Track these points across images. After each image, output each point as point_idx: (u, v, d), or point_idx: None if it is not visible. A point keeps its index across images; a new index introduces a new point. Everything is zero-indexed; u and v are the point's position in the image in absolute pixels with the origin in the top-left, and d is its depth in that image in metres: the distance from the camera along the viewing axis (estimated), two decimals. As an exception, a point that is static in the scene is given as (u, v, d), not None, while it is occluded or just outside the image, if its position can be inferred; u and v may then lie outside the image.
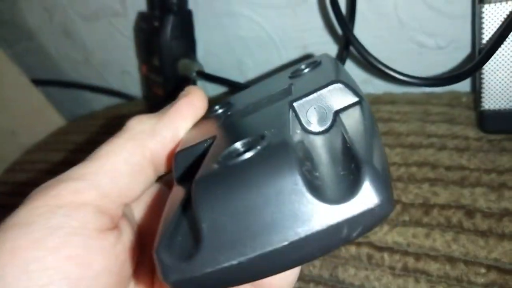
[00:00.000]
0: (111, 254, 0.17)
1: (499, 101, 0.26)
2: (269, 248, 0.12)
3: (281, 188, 0.12)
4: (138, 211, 0.22)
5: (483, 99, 0.27)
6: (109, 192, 0.18)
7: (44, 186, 0.18)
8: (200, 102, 0.21)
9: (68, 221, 0.17)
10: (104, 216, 0.18)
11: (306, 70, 0.20)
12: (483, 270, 0.21)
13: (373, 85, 0.36)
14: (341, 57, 0.33)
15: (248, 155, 0.13)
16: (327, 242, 0.12)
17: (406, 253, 0.23)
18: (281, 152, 0.13)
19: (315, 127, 0.16)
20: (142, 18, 0.42)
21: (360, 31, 0.31)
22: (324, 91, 0.16)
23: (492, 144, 0.26)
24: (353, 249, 0.24)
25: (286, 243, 0.12)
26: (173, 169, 0.18)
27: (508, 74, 0.26)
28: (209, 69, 0.38)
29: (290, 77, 0.20)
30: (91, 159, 0.18)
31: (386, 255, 0.23)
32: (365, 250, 0.24)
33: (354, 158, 0.13)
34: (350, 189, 0.12)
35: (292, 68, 0.22)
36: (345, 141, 0.14)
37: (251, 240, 0.12)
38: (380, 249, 0.24)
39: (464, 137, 0.27)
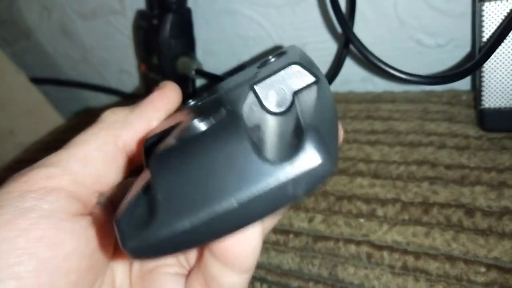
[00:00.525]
0: (83, 237, 0.17)
1: (499, 100, 0.26)
2: (220, 210, 0.13)
3: (230, 152, 0.13)
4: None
5: (483, 98, 0.27)
6: (82, 178, 0.18)
7: (17, 174, 0.18)
8: (173, 95, 0.22)
9: (39, 204, 0.17)
10: (76, 201, 0.18)
11: (273, 60, 0.21)
12: (483, 269, 0.21)
13: (373, 84, 0.36)
14: (341, 56, 0.32)
15: (202, 127, 0.15)
16: (274, 200, 0.13)
17: (405, 252, 0.23)
18: (231, 120, 0.14)
19: (273, 107, 0.17)
20: (141, 16, 0.41)
21: (360, 29, 0.31)
22: (282, 72, 0.17)
23: (492, 143, 0.26)
24: (352, 248, 0.24)
25: (235, 203, 0.13)
26: (142, 155, 0.19)
27: (509, 73, 0.26)
28: (208, 68, 0.38)
29: (258, 67, 0.22)
30: (65, 148, 0.19)
31: (385, 254, 0.23)
32: (364, 249, 0.24)
33: (300, 125, 0.14)
34: (294, 151, 0.13)
35: (261, 60, 0.23)
36: (297, 117, 0.15)
37: (202, 203, 0.13)
38: (380, 248, 0.23)
39: (464, 136, 0.27)
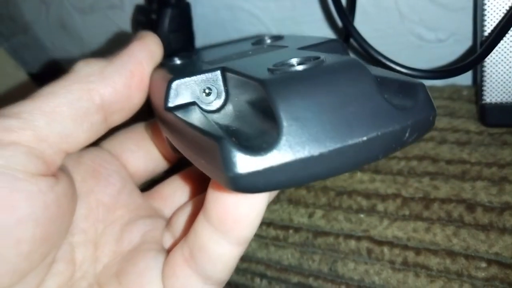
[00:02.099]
0: (40, 202, 0.15)
1: (501, 95, 0.26)
2: (349, 142, 0.13)
3: (360, 90, 0.13)
4: (79, 178, 0.20)
5: (484, 93, 0.26)
6: (46, 135, 0.16)
7: None
8: (156, 47, 0.19)
9: None
10: (37, 160, 0.16)
11: (269, 41, 0.22)
12: (483, 265, 0.21)
13: (373, 79, 0.36)
14: (341, 50, 0.32)
15: (315, 63, 0.14)
16: (392, 143, 0.13)
17: (406, 247, 0.23)
18: (354, 63, 0.14)
19: None
20: (139, 11, 0.41)
21: (360, 24, 0.31)
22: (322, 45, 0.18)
23: (493, 138, 0.26)
24: (352, 243, 0.24)
25: (364, 138, 0.13)
26: (165, 97, 0.17)
27: (510, 67, 0.25)
28: (207, 63, 0.38)
29: (254, 44, 0.21)
30: (30, 98, 0.16)
31: (386, 250, 0.23)
32: (364, 244, 0.24)
33: (407, 80, 0.15)
34: (413, 99, 0.14)
35: (250, 39, 0.23)
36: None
37: (333, 133, 0.13)
38: (380, 243, 0.23)
39: (465, 131, 0.27)
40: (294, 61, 0.15)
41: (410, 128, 0.14)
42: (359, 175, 0.27)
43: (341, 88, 0.13)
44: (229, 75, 0.16)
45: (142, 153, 0.24)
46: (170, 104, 0.16)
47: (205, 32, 0.40)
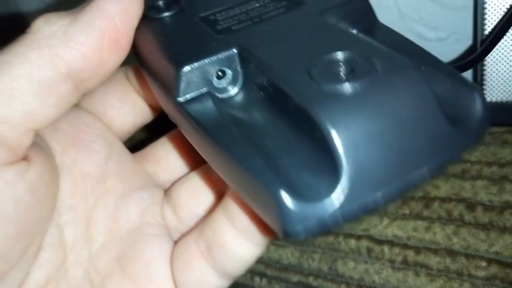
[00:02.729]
0: (8, 197, 0.13)
1: (501, 93, 0.26)
2: (411, 176, 0.11)
3: (424, 116, 0.12)
4: (57, 146, 0.18)
5: (484, 91, 0.26)
6: (5, 116, 0.13)
7: None
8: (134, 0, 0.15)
9: None
10: (1, 146, 0.13)
11: None
12: (483, 264, 0.21)
13: (373, 77, 0.36)
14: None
15: (364, 78, 0.12)
16: (448, 164, 0.12)
17: (406, 246, 0.23)
18: (414, 79, 0.12)
19: None
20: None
21: (360, 22, 0.31)
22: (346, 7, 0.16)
23: (493, 137, 0.26)
24: (352, 242, 0.24)
25: (427, 173, 0.12)
26: (175, 89, 0.14)
27: (511, 66, 0.25)
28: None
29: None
30: None
31: (386, 249, 0.23)
32: (364, 243, 0.24)
33: (465, 91, 0.13)
34: (472, 116, 0.13)
35: None
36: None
37: (395, 169, 0.11)
38: (380, 242, 0.23)
39: (464, 130, 0.27)
40: (341, 69, 0.12)
41: (467, 146, 0.13)
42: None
43: (404, 116, 0.12)
44: (245, 56, 0.14)
45: (128, 108, 0.21)
46: (181, 99, 0.14)
47: None
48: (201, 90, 0.14)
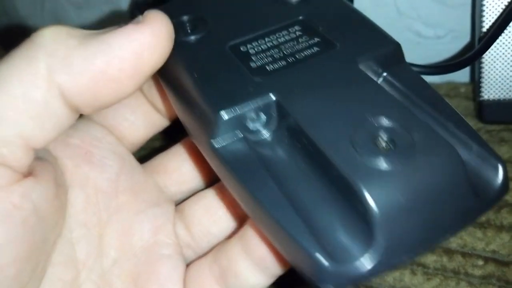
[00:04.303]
0: (16, 219, 0.13)
1: (499, 91, 0.26)
2: (438, 241, 0.13)
3: (454, 192, 0.13)
4: (70, 164, 0.17)
5: (482, 89, 0.26)
6: (5, 137, 0.13)
7: None
8: (158, 39, 0.14)
9: None
10: (2, 167, 0.13)
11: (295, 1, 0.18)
12: (480, 262, 0.21)
13: (371, 75, 0.36)
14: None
15: (404, 154, 0.12)
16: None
17: (403, 245, 0.23)
18: (449, 159, 0.13)
19: None
20: (135, 7, 0.41)
21: (358, 19, 0.30)
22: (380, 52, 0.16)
23: (491, 135, 0.26)
24: (349, 241, 0.24)
25: (448, 235, 0.13)
26: (212, 134, 0.14)
27: (508, 64, 0.25)
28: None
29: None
30: None
31: (382, 247, 0.23)
32: (361, 242, 0.23)
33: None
34: (494, 190, 0.13)
35: None
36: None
37: (423, 239, 0.12)
38: (377, 241, 0.23)
39: (462, 128, 0.27)
40: (383, 139, 0.13)
41: (485, 211, 0.14)
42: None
43: (436, 192, 0.12)
44: (281, 108, 0.14)
45: (140, 120, 0.20)
46: (218, 145, 0.14)
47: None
48: (236, 132, 0.14)
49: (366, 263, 0.12)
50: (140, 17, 0.14)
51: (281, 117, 0.14)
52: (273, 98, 0.14)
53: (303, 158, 0.14)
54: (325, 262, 0.12)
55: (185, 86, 0.15)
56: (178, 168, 0.20)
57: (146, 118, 0.20)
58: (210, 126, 0.14)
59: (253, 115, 0.14)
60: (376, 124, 0.13)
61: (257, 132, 0.14)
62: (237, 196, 0.15)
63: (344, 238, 0.12)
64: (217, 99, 0.14)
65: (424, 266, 0.22)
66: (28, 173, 0.14)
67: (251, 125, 0.14)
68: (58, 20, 0.48)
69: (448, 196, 0.12)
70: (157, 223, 0.19)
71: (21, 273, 0.13)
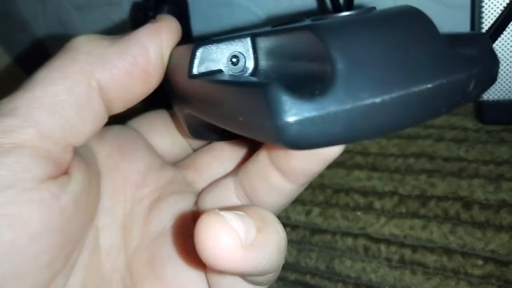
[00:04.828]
0: (54, 208, 0.14)
1: (498, 92, 0.26)
2: (413, 89, 0.11)
3: (423, 34, 0.12)
4: (102, 152, 0.18)
5: (481, 90, 0.26)
6: (50, 130, 0.14)
7: None
8: (170, 33, 0.17)
9: None
10: (45, 161, 0.14)
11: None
12: (480, 262, 0.21)
13: (371, 76, 0.36)
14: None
15: (356, 13, 0.13)
16: (458, 93, 0.12)
17: (402, 245, 0.23)
18: (414, 8, 0.13)
19: None
20: (136, 8, 0.41)
21: (358, 20, 0.31)
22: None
23: (490, 135, 0.26)
24: (349, 241, 0.24)
25: (429, 85, 0.11)
26: (190, 64, 0.15)
27: (508, 65, 0.25)
28: (205, 60, 0.38)
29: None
30: (25, 88, 0.14)
31: (382, 247, 0.23)
32: (361, 242, 0.24)
33: (471, 34, 0.14)
34: (479, 50, 0.13)
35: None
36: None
37: (395, 78, 0.11)
38: (377, 241, 0.23)
39: (462, 128, 0.27)
40: (340, 14, 0.13)
41: (475, 78, 0.12)
42: (356, 173, 0.27)
43: (402, 31, 0.12)
44: (260, 40, 0.15)
45: (170, 135, 0.22)
46: (195, 71, 0.15)
47: (202, 29, 0.40)
48: (214, 68, 0.15)
49: (332, 97, 0.10)
50: (155, 19, 0.17)
51: (255, 54, 0.15)
52: (248, 37, 0.15)
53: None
54: (281, 92, 0.10)
55: (181, 58, 0.17)
56: (207, 166, 0.21)
57: (174, 135, 0.22)
58: (190, 62, 0.15)
59: (229, 54, 0.15)
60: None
61: (235, 73, 0.16)
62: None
63: (304, 84, 0.12)
64: (198, 43, 0.15)
65: (424, 266, 0.22)
66: (66, 170, 0.15)
67: (229, 66, 0.15)
68: (60, 21, 0.49)
69: (412, 44, 0.12)
70: (177, 208, 0.19)
71: (54, 261, 0.14)
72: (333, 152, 0.14)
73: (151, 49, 0.16)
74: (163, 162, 0.21)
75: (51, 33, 0.51)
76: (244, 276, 0.14)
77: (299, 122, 0.10)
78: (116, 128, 0.20)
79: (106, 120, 0.16)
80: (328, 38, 0.11)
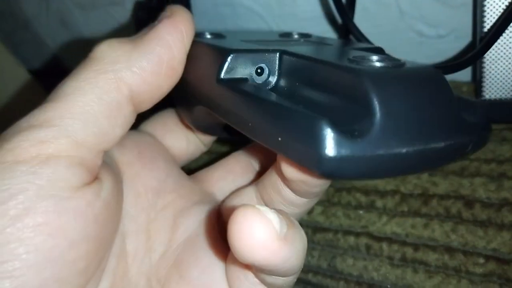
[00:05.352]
0: (90, 216, 0.14)
1: (500, 91, 0.26)
2: (431, 145, 0.13)
3: (445, 98, 0.14)
4: (123, 160, 0.19)
5: (484, 89, 0.26)
6: (84, 139, 0.15)
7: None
8: (188, 27, 0.17)
9: (33, 180, 0.13)
10: (80, 168, 0.14)
11: (297, 36, 0.22)
12: (481, 260, 0.21)
13: (373, 75, 0.36)
14: (341, 47, 0.32)
15: (398, 64, 0.15)
16: (459, 152, 0.14)
17: (404, 243, 0.23)
18: (436, 70, 0.15)
19: None
20: (139, 7, 0.41)
21: (360, 20, 0.31)
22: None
23: (492, 134, 0.26)
24: (351, 239, 0.24)
25: (442, 144, 0.13)
26: (219, 69, 0.16)
27: (510, 63, 0.25)
28: (207, 59, 0.38)
29: (282, 36, 0.21)
30: (55, 99, 0.15)
31: (384, 245, 0.23)
32: (363, 240, 0.24)
33: (471, 101, 0.17)
34: (479, 119, 0.15)
35: (274, 32, 0.23)
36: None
37: (419, 133, 0.13)
38: (379, 239, 0.23)
39: (464, 127, 0.27)
40: (374, 57, 0.15)
41: (474, 142, 0.15)
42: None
43: (429, 92, 0.14)
44: (287, 58, 0.16)
45: (184, 134, 0.23)
46: (223, 76, 0.16)
47: (205, 28, 0.40)
48: (241, 76, 0.16)
49: (368, 141, 0.12)
50: (165, 13, 0.17)
51: (280, 69, 0.16)
52: (277, 53, 0.16)
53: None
54: (331, 132, 0.12)
55: (204, 57, 0.18)
56: (223, 179, 0.22)
57: (187, 134, 0.23)
58: (220, 66, 0.16)
59: (257, 65, 0.16)
60: (367, 55, 0.15)
61: (258, 82, 0.17)
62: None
63: (345, 125, 0.13)
64: (228, 48, 0.16)
65: (426, 264, 0.22)
66: (97, 176, 0.16)
67: (254, 75, 0.16)
68: (63, 21, 0.49)
69: (434, 106, 0.14)
70: (201, 217, 0.19)
71: (89, 267, 0.15)
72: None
73: (173, 45, 0.16)
74: (180, 170, 0.22)
75: (53, 32, 0.51)
76: (271, 271, 0.14)
77: (339, 158, 0.12)
78: (134, 135, 0.21)
79: (133, 121, 0.17)
80: (374, 89, 0.13)
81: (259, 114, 0.14)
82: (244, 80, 0.16)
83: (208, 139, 0.24)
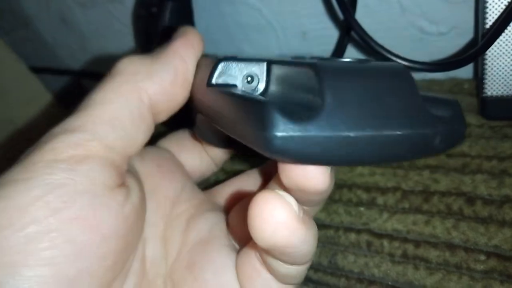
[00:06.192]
0: (120, 216, 0.16)
1: (502, 88, 0.26)
2: (384, 132, 0.13)
3: (402, 88, 0.14)
4: (144, 171, 0.20)
5: (485, 86, 0.26)
6: (113, 142, 0.16)
7: (38, 142, 0.16)
8: (198, 44, 0.19)
9: (71, 177, 0.14)
10: (112, 170, 0.16)
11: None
12: (483, 257, 0.21)
13: (374, 72, 0.36)
14: (342, 43, 0.32)
15: (354, 61, 0.15)
16: (423, 145, 0.14)
17: (405, 240, 0.23)
18: (400, 65, 0.15)
19: None
20: (140, 5, 0.41)
21: (361, 17, 0.31)
22: None
23: (494, 131, 0.26)
24: (352, 236, 0.24)
25: (398, 132, 0.13)
26: (210, 74, 0.17)
27: (511, 60, 0.25)
28: (208, 56, 0.38)
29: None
30: (85, 108, 0.16)
31: (385, 242, 0.23)
32: (364, 237, 0.24)
33: (441, 98, 0.16)
34: (449, 112, 0.15)
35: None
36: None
37: (371, 120, 0.13)
38: (380, 236, 0.23)
39: (465, 124, 0.27)
40: (343, 59, 0.16)
41: (441, 135, 0.14)
42: (359, 168, 0.27)
43: (385, 82, 0.14)
44: (274, 66, 0.17)
45: (198, 153, 0.25)
46: (213, 81, 0.17)
47: (206, 25, 0.40)
48: (231, 83, 0.17)
49: (315, 123, 0.12)
50: (178, 32, 0.20)
51: (268, 78, 0.17)
52: (264, 62, 0.17)
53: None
54: (277, 111, 0.12)
55: (203, 69, 0.19)
56: (234, 194, 0.23)
57: (201, 152, 0.25)
58: (211, 72, 0.17)
59: (246, 74, 0.17)
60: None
61: (248, 90, 0.17)
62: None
63: (295, 109, 0.13)
64: (221, 58, 0.17)
65: (426, 260, 0.22)
66: (125, 182, 0.17)
67: (244, 83, 0.17)
68: (63, 19, 0.49)
69: (392, 97, 0.14)
70: (212, 222, 0.21)
71: (116, 264, 0.16)
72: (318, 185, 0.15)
73: (187, 59, 0.18)
74: (194, 184, 0.23)
75: (54, 30, 0.51)
76: (289, 254, 0.15)
77: (284, 138, 0.12)
78: (152, 150, 0.22)
79: (153, 130, 0.18)
80: (324, 77, 0.13)
81: (226, 108, 0.15)
82: (233, 86, 0.17)
83: (219, 159, 0.25)
